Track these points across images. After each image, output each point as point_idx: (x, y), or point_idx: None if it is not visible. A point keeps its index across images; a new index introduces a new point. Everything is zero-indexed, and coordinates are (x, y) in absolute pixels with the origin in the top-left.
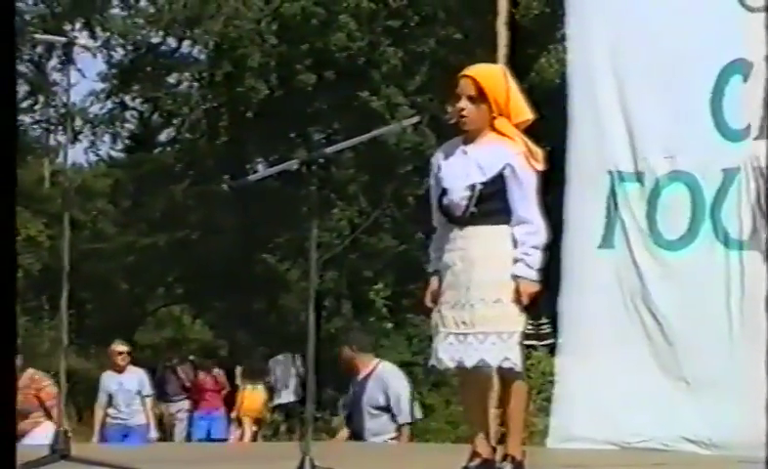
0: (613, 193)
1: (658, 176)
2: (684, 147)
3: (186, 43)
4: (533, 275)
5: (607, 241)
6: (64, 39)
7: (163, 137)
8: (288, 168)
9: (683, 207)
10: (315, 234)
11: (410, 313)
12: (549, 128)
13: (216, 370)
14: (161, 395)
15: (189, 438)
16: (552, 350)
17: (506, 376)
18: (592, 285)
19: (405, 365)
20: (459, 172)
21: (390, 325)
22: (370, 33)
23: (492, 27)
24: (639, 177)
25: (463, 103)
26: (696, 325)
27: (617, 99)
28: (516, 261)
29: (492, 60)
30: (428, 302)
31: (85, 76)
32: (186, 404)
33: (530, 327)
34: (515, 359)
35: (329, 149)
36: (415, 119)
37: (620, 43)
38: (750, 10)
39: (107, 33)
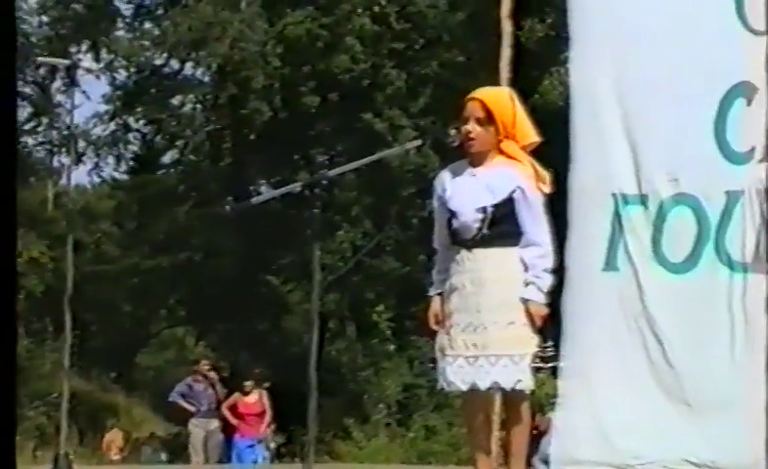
0: (617, 216)
1: (662, 198)
2: (688, 169)
3: (189, 65)
4: (543, 298)
5: (611, 264)
6: (67, 62)
7: (167, 159)
8: (291, 191)
9: (687, 230)
10: (317, 256)
11: (413, 335)
12: (552, 150)
13: (258, 392)
14: (196, 409)
15: (224, 461)
16: (555, 372)
17: (515, 399)
18: (595, 307)
19: (407, 388)
20: (469, 195)
21: (393, 348)
22: (374, 56)
23: (496, 50)
24: (643, 199)
25: (471, 125)
26: (698, 348)
27: (620, 121)
28: (527, 284)
29: (495, 82)
30: (432, 324)
31: (89, 98)
32: (217, 421)
33: (537, 349)
34: (527, 381)
35: (332, 172)
36: (418, 142)
37: (624, 65)
38: (755, 33)
39: (112, 55)
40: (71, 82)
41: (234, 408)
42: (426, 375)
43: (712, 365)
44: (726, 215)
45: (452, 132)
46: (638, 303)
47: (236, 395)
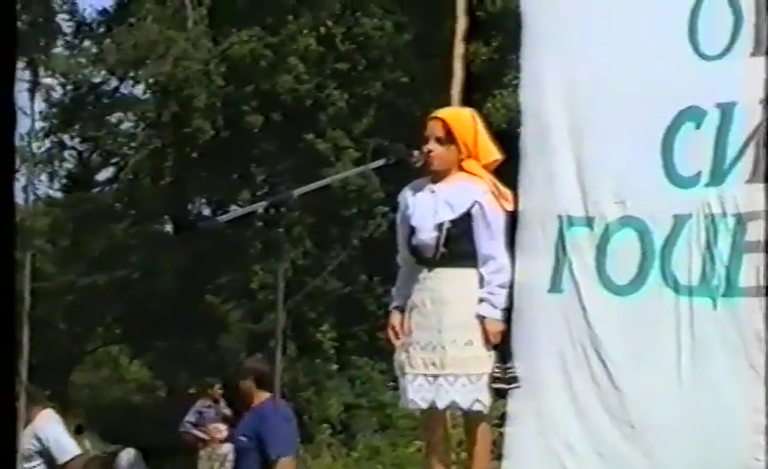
0: (561, 237)
1: (608, 221)
2: (635, 192)
3: (129, 83)
4: (498, 314)
5: (556, 286)
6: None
7: (102, 177)
8: (255, 210)
9: (632, 252)
10: (282, 275)
11: (354, 355)
12: (497, 171)
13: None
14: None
15: None
16: (499, 392)
17: (473, 419)
18: (542, 329)
19: (349, 407)
20: (428, 210)
21: (335, 367)
22: (318, 76)
23: (442, 71)
24: (589, 222)
25: (431, 144)
26: (643, 370)
27: (569, 143)
28: (481, 301)
29: (442, 103)
30: (392, 337)
31: (26, 114)
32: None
33: (497, 370)
34: (485, 401)
35: (298, 191)
36: (382, 161)
37: (574, 87)
38: (705, 58)
39: (49, 72)
40: (32, 92)
41: None
42: (367, 395)
43: (657, 388)
44: (672, 238)
45: (416, 153)
46: (583, 324)
47: None
